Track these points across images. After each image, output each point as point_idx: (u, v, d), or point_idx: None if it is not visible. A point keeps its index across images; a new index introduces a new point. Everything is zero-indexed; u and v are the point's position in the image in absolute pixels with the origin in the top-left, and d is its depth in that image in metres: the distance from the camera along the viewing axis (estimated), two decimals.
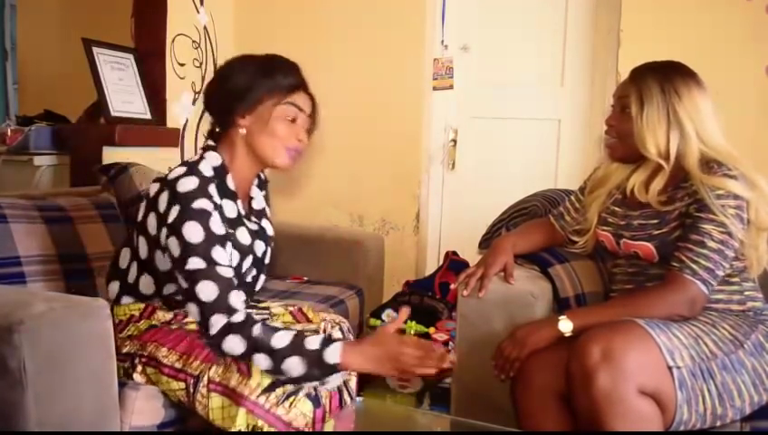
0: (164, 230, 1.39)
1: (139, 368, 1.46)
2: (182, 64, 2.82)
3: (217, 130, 1.52)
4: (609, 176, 1.76)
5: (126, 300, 1.53)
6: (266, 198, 1.70)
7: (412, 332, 2.52)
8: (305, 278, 2.55)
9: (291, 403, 1.31)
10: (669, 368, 1.38)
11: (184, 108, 2.85)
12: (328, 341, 1.34)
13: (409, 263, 2.99)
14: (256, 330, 1.34)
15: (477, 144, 2.96)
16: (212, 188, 1.41)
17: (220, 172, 1.46)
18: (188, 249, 1.35)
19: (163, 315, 1.51)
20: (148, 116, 2.67)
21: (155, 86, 2.72)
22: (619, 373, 1.35)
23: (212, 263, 1.35)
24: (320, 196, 3.09)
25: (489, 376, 1.69)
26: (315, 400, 1.33)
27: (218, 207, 1.41)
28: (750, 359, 1.45)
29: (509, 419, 1.63)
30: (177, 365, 1.41)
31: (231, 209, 1.47)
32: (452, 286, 2.58)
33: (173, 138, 2.78)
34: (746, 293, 1.59)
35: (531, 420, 1.56)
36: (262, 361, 1.32)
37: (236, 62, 1.50)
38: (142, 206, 1.47)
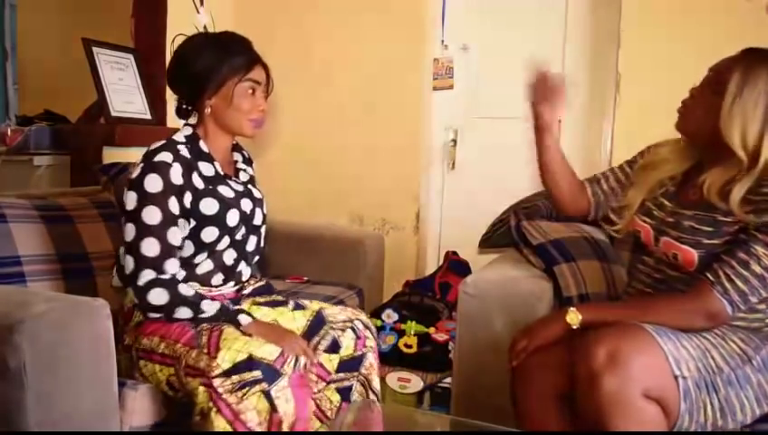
0: (128, 189, 1.49)
1: (135, 360, 1.49)
2: None
3: (185, 106, 1.65)
4: (671, 160, 1.60)
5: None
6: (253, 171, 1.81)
7: (412, 332, 2.52)
8: (305, 278, 2.55)
9: (243, 394, 1.32)
10: (675, 377, 1.35)
11: None
12: (242, 311, 1.52)
13: (409, 263, 2.99)
14: (184, 289, 1.48)
15: (477, 144, 2.96)
16: (181, 147, 1.54)
17: (192, 138, 1.60)
18: (145, 199, 1.46)
19: None
20: (148, 116, 2.67)
21: (155, 86, 2.71)
22: (626, 377, 1.32)
23: (167, 221, 1.46)
24: (320, 196, 3.09)
25: (489, 376, 1.69)
26: (270, 399, 1.34)
27: (183, 161, 1.52)
28: (757, 375, 1.41)
29: (509, 419, 1.63)
30: (166, 351, 1.44)
31: (207, 169, 1.58)
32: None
33: None
34: (767, 320, 1.49)
35: (530, 420, 1.56)
36: (184, 313, 1.46)
37: (194, 45, 1.61)
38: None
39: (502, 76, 2.90)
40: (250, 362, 1.34)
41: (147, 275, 1.44)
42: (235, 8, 3.16)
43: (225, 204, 1.56)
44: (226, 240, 1.58)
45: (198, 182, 1.54)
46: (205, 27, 2.95)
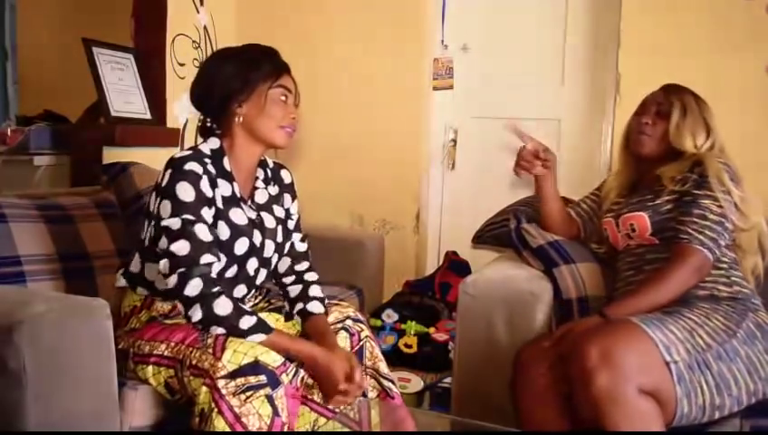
0: (158, 197, 1.46)
1: (131, 365, 1.48)
2: (182, 64, 2.81)
3: (209, 124, 1.59)
4: (615, 186, 1.92)
5: (132, 288, 1.57)
6: (292, 197, 1.75)
7: (412, 332, 2.52)
8: None
9: (247, 397, 1.31)
10: (667, 363, 1.40)
11: (184, 108, 2.84)
12: (257, 327, 1.41)
13: (409, 263, 2.99)
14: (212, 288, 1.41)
15: (477, 144, 2.96)
16: (207, 161, 1.50)
17: (217, 154, 1.55)
18: (179, 208, 1.42)
19: (161, 306, 1.53)
20: (148, 116, 2.67)
21: (155, 86, 2.71)
22: (619, 374, 1.37)
23: (197, 221, 1.43)
24: (320, 196, 3.09)
25: (489, 376, 1.69)
26: (273, 404, 1.33)
27: (210, 175, 1.49)
28: (743, 347, 1.49)
29: (509, 419, 1.63)
30: (167, 353, 1.43)
31: (225, 188, 1.54)
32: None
33: (173, 138, 2.78)
34: (733, 278, 1.65)
35: (531, 419, 1.56)
36: (197, 312, 1.39)
37: (219, 59, 1.60)
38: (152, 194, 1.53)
39: (502, 76, 2.91)
40: (255, 366, 1.33)
41: (185, 275, 1.40)
42: (235, 8, 3.15)
43: (236, 231, 1.52)
44: (234, 270, 1.54)
45: (219, 201, 1.50)
46: (205, 27, 2.95)
